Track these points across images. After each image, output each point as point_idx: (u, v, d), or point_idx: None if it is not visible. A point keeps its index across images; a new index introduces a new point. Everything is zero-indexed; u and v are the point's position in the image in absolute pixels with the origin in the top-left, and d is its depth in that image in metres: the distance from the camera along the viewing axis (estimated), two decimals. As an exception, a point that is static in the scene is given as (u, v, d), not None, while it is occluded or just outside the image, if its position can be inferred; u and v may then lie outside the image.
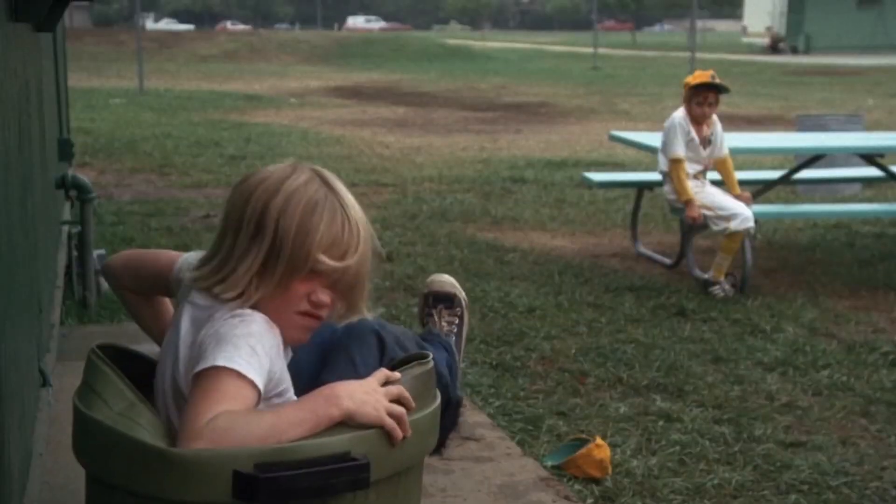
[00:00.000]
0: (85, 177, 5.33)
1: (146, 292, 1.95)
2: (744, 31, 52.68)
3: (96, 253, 5.10)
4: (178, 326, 1.68)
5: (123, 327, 4.57)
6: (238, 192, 1.71)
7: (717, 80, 5.74)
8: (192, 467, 1.46)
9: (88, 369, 1.66)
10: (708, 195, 5.73)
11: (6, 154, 2.45)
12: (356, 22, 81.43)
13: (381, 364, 1.90)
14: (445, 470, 3.18)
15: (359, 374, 1.82)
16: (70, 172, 5.34)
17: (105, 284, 5.15)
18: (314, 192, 1.68)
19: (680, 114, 5.80)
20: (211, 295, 1.67)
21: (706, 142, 5.78)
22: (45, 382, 3.20)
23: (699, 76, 5.79)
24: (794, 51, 39.62)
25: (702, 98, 5.71)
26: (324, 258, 1.65)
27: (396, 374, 1.65)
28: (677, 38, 56.82)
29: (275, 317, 1.66)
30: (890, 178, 6.63)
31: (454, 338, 2.38)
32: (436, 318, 2.40)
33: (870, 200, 8.34)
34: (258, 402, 1.57)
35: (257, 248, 1.64)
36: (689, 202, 5.61)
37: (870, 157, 6.43)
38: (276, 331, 1.65)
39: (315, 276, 1.67)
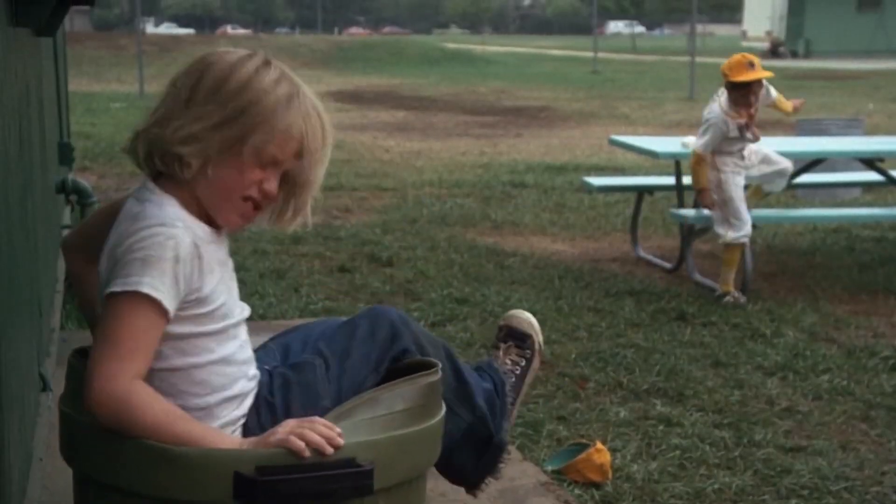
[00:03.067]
0: (85, 181, 5.34)
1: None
2: (743, 35, 52.67)
3: (96, 257, 5.09)
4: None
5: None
6: (211, 64, 1.72)
7: (760, 72, 5.30)
8: (193, 467, 1.46)
9: (71, 374, 1.66)
10: (730, 188, 5.47)
11: (6, 158, 2.45)
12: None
13: (384, 354, 1.85)
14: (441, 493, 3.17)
15: (352, 351, 1.79)
16: (70, 176, 5.34)
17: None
18: (290, 86, 1.73)
19: (718, 108, 5.41)
20: (152, 175, 1.68)
21: (752, 122, 5.45)
22: (45, 387, 3.20)
23: (739, 67, 5.29)
24: (794, 55, 39.63)
25: (745, 92, 5.32)
26: (291, 150, 1.69)
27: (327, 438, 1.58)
28: (677, 42, 56.81)
29: (219, 197, 1.67)
30: (890, 183, 6.63)
31: (513, 378, 2.24)
32: (501, 353, 2.29)
33: (870, 204, 8.34)
34: (167, 322, 1.58)
35: (230, 121, 1.65)
36: (701, 192, 5.50)
37: (870, 162, 6.43)
38: (198, 233, 1.64)
39: (272, 167, 1.68)
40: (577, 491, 3.19)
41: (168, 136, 1.65)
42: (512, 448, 3.44)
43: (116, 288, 1.55)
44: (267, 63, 1.74)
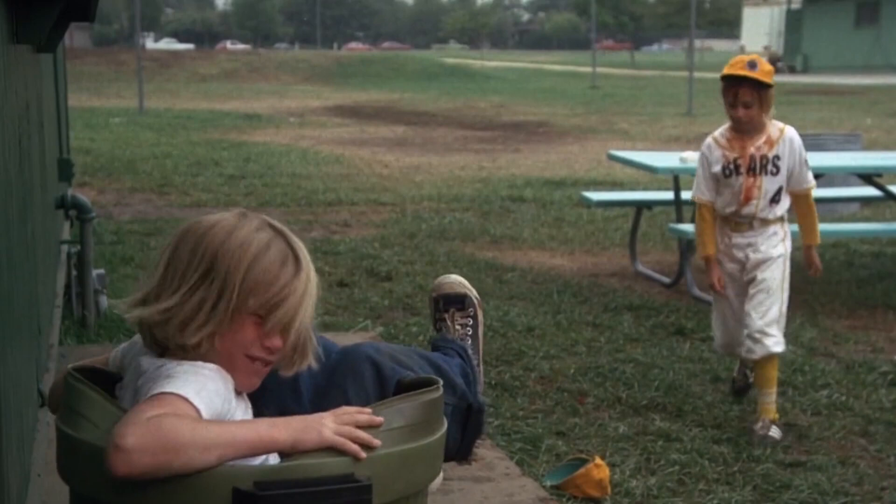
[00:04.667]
0: (84, 196, 5.34)
1: None
2: (742, 50, 52.81)
3: (95, 272, 5.10)
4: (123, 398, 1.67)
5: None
6: (188, 237, 1.69)
7: (754, 72, 3.81)
8: (190, 483, 1.46)
9: (68, 393, 1.65)
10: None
11: (6, 174, 2.46)
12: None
13: (380, 390, 1.87)
14: (444, 490, 3.17)
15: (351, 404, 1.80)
16: (70, 192, 5.35)
17: (104, 304, 5.15)
18: (268, 238, 1.68)
19: (717, 132, 4.07)
20: (159, 353, 1.66)
21: (755, 165, 3.89)
22: (43, 403, 3.19)
23: (732, 63, 3.94)
24: (792, 70, 39.75)
25: (732, 95, 3.87)
26: (276, 300, 1.65)
27: (362, 417, 1.61)
28: (675, 57, 57.03)
29: (226, 362, 1.65)
30: (888, 198, 6.64)
31: (469, 340, 2.26)
32: (448, 323, 2.28)
33: (868, 220, 8.35)
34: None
35: (215, 291, 1.63)
36: (706, 259, 4.01)
37: (868, 177, 6.45)
38: (229, 378, 1.64)
39: (265, 320, 1.66)
40: (576, 506, 3.18)
41: (171, 333, 1.63)
42: (511, 463, 3.45)
43: (153, 391, 1.52)
44: (254, 227, 1.69)
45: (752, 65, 3.83)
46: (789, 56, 42.28)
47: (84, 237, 5.00)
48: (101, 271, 5.25)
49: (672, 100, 23.85)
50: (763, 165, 3.89)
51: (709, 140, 4.05)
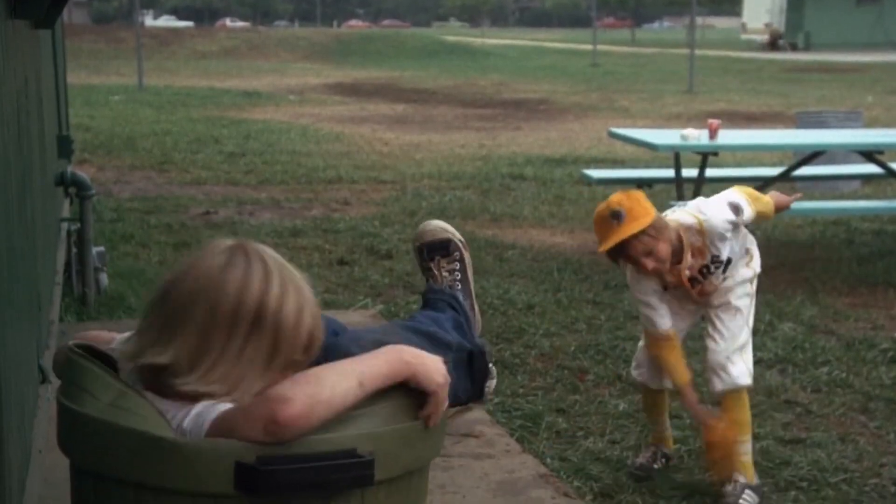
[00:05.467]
0: (84, 174, 5.33)
1: None
2: (743, 27, 52.66)
3: (95, 250, 5.10)
4: None
5: (122, 325, 4.57)
6: (198, 288, 1.58)
7: (620, 224, 3.07)
8: (194, 457, 1.47)
9: (69, 367, 1.66)
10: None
11: (5, 151, 2.45)
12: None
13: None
14: (444, 466, 3.18)
15: None
16: (69, 169, 5.34)
17: (104, 281, 5.15)
18: (286, 276, 1.63)
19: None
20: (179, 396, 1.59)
21: (698, 279, 3.22)
22: (44, 379, 3.20)
23: (600, 226, 3.16)
24: (794, 48, 39.60)
25: (626, 265, 3.23)
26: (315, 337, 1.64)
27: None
28: (676, 35, 56.81)
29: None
30: (889, 175, 6.63)
31: (458, 285, 2.22)
32: (435, 272, 2.23)
33: (869, 197, 8.34)
34: None
35: (257, 344, 1.58)
36: (682, 390, 3.24)
37: (869, 154, 6.43)
38: None
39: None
40: (576, 483, 3.20)
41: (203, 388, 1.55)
42: (511, 440, 3.46)
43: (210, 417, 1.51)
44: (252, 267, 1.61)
45: (617, 216, 3.04)
46: (791, 33, 42.11)
47: (84, 214, 4.99)
48: (101, 249, 5.25)
49: (673, 77, 23.77)
50: (707, 272, 3.20)
51: (630, 274, 3.26)
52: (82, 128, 12.61)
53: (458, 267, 2.26)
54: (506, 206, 8.18)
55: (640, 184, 6.80)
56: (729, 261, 3.17)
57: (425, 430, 1.64)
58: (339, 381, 1.49)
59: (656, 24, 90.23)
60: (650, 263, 3.05)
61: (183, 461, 1.47)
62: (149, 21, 66.83)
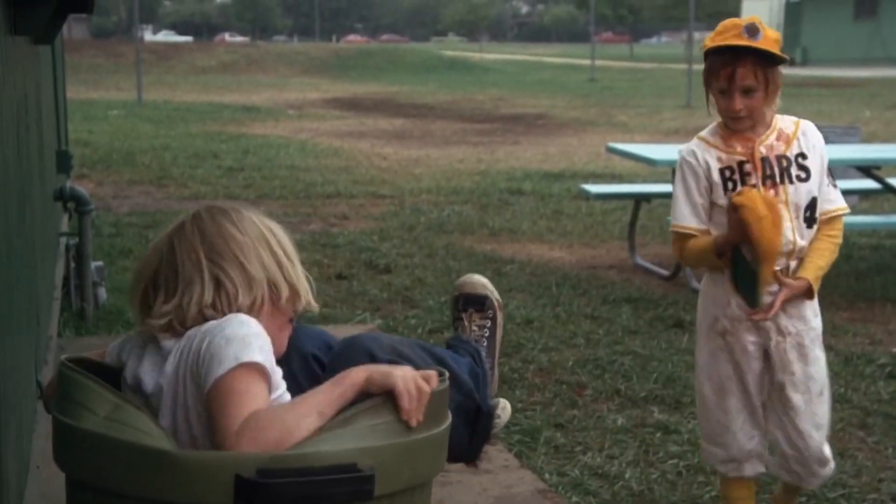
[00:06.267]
0: (83, 189, 5.34)
1: None
2: (741, 43, 52.68)
3: (94, 265, 5.10)
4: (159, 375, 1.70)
5: (121, 339, 4.57)
6: (210, 236, 1.78)
7: (756, 41, 2.60)
8: (193, 470, 1.47)
9: (63, 382, 1.66)
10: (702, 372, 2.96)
11: (5, 166, 2.46)
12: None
13: None
14: (443, 482, 3.17)
15: None
16: (68, 184, 5.34)
17: (103, 296, 5.15)
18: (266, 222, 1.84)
19: (703, 132, 2.81)
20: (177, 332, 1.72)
21: (772, 170, 2.70)
22: (42, 394, 3.20)
23: (722, 29, 2.67)
24: (791, 63, 39.66)
25: (725, 79, 2.63)
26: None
27: (431, 372, 1.68)
28: (674, 49, 56.91)
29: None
30: (887, 190, 6.64)
31: (484, 342, 2.25)
32: (465, 323, 2.28)
33: (867, 212, 8.35)
34: (270, 392, 1.63)
35: (258, 281, 1.76)
36: (720, 253, 2.70)
37: (867, 169, 6.45)
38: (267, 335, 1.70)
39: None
40: (574, 498, 3.19)
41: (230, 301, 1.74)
42: (509, 455, 3.45)
43: (220, 371, 1.58)
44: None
45: (753, 31, 2.58)
46: (788, 48, 42.09)
47: (82, 229, 4.99)
48: (100, 263, 5.25)
49: (671, 92, 23.82)
50: (784, 169, 2.68)
51: (693, 142, 2.77)
52: (81, 143, 12.62)
53: (488, 325, 2.29)
54: (504, 220, 8.19)
55: (639, 199, 6.81)
56: (814, 204, 2.70)
57: (427, 446, 1.63)
58: (300, 420, 1.54)
59: (654, 39, 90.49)
60: (739, 102, 2.62)
61: (182, 474, 1.47)
62: (148, 36, 67.04)
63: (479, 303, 2.30)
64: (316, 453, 1.50)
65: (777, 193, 2.68)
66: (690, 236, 2.74)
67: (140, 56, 22.70)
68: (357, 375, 1.61)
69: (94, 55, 35.65)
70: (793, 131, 2.75)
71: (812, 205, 2.73)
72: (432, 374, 1.66)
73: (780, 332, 2.81)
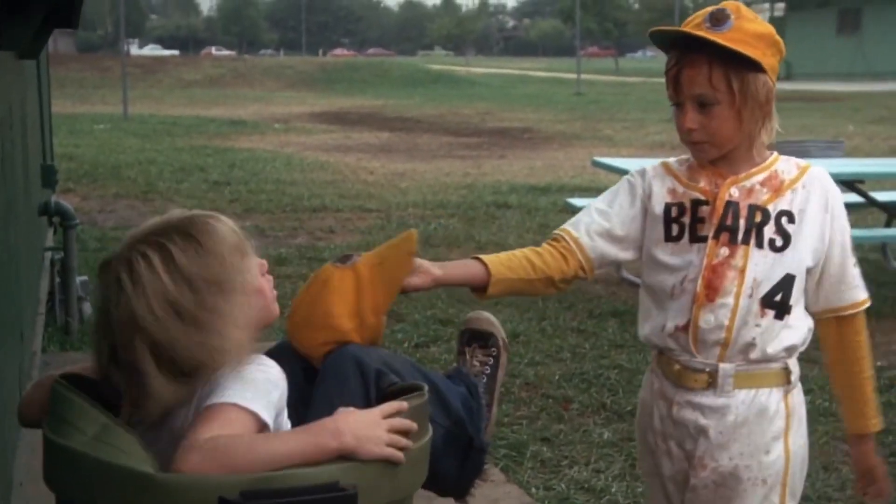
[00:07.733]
0: (68, 203, 5.33)
1: None
2: (726, 57, 52.97)
3: (79, 279, 5.08)
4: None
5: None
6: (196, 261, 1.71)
7: (720, 33, 1.81)
8: (177, 493, 1.46)
9: (55, 400, 1.65)
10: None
11: (-11, 181, 2.45)
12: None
13: (364, 392, 1.87)
14: (428, 497, 3.16)
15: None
16: (53, 199, 5.33)
17: (88, 311, 5.13)
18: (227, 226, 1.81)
19: (672, 158, 2.15)
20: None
21: (736, 222, 1.93)
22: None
23: (689, 18, 1.93)
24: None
25: (669, 82, 1.93)
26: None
27: (403, 405, 1.64)
28: (660, 63, 57.05)
29: (257, 306, 1.71)
30: (870, 204, 6.68)
31: (484, 378, 2.23)
32: (467, 357, 2.27)
33: (850, 226, 8.40)
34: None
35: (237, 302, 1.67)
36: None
37: (850, 183, 6.48)
38: (283, 376, 1.68)
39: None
40: (560, 513, 3.19)
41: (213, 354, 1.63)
42: (495, 470, 3.45)
43: (216, 400, 1.55)
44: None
45: (718, 18, 1.83)
46: (773, 63, 42.46)
47: (67, 244, 4.98)
48: (85, 278, 5.23)
49: (656, 106, 23.91)
50: (755, 225, 1.92)
51: (652, 164, 2.13)
52: (67, 157, 12.59)
53: (490, 362, 2.28)
54: (490, 234, 8.21)
55: (624, 212, 6.83)
56: (789, 285, 1.96)
57: (409, 461, 1.64)
58: (253, 453, 1.51)
59: (639, 53, 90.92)
60: (689, 117, 1.90)
61: (166, 497, 1.47)
62: (134, 50, 66.97)
63: (483, 339, 2.30)
64: (298, 473, 1.50)
65: (731, 255, 1.90)
66: (555, 239, 2.16)
67: (126, 70, 22.68)
68: (335, 443, 1.55)
69: (80, 69, 35.59)
70: (791, 178, 1.95)
71: (786, 286, 1.95)
72: (407, 422, 1.61)
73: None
